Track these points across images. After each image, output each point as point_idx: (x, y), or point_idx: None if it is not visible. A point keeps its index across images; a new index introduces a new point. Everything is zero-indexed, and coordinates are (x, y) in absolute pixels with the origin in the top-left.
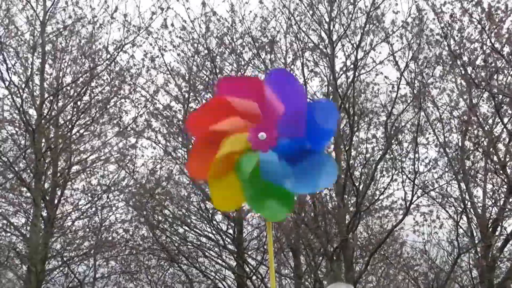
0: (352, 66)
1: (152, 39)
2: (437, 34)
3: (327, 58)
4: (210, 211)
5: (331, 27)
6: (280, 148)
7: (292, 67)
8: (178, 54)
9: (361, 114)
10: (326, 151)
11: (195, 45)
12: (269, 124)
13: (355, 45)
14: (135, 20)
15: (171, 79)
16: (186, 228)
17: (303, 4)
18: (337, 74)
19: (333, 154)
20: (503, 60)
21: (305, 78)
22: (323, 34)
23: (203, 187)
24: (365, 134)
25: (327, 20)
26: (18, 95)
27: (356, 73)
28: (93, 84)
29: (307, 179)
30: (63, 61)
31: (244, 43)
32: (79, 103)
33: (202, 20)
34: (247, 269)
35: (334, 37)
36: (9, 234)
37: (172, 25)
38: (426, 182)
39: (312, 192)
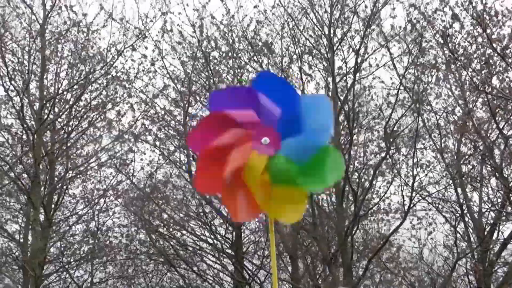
0: (350, 70)
1: (151, 42)
2: (433, 36)
3: (327, 61)
4: (209, 216)
5: (331, 31)
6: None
7: (289, 70)
8: (179, 58)
9: (358, 118)
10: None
11: (194, 49)
12: (269, 128)
13: (354, 49)
14: (135, 23)
15: (170, 83)
16: (184, 232)
17: (302, 7)
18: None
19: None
20: (503, 62)
21: (303, 81)
22: (322, 38)
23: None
24: (363, 137)
25: (327, 23)
26: (19, 98)
27: (356, 77)
28: (89, 88)
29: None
30: (60, 66)
31: (240, 47)
32: (75, 107)
33: (197, 24)
34: (246, 274)
35: (334, 40)
36: (6, 240)
37: (171, 30)
38: (423, 186)
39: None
